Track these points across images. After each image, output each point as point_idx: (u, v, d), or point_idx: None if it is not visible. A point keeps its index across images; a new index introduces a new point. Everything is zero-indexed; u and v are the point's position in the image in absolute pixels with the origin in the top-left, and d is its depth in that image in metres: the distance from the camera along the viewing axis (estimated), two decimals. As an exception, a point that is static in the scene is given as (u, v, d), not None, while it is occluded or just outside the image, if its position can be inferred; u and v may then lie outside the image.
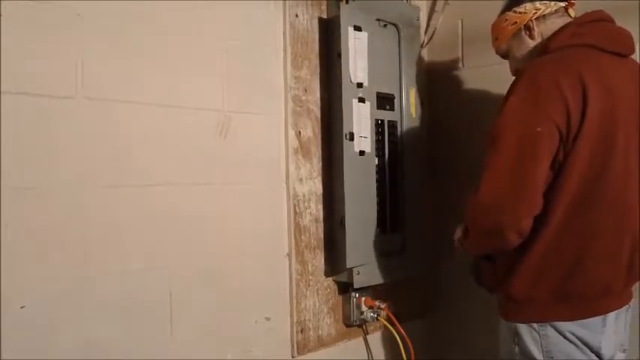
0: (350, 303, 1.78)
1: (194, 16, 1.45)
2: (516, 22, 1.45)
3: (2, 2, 1.12)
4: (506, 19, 1.48)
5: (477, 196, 1.29)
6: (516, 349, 1.36)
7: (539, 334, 1.32)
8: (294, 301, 1.65)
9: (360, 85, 1.72)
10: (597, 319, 1.32)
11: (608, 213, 1.29)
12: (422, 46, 2.07)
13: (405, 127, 1.89)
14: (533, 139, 1.24)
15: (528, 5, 1.44)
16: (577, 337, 1.31)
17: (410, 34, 1.93)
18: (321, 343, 1.73)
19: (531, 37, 1.45)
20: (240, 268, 1.54)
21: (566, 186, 1.26)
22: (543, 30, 1.43)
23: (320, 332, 1.73)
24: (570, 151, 1.25)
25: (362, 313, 1.78)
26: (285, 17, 1.66)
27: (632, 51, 1.40)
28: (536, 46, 1.44)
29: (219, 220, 1.50)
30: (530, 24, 1.43)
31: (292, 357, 1.66)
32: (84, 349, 1.23)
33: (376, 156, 1.80)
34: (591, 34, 1.35)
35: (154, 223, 1.36)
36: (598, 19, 1.39)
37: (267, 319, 1.60)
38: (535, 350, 1.33)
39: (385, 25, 1.86)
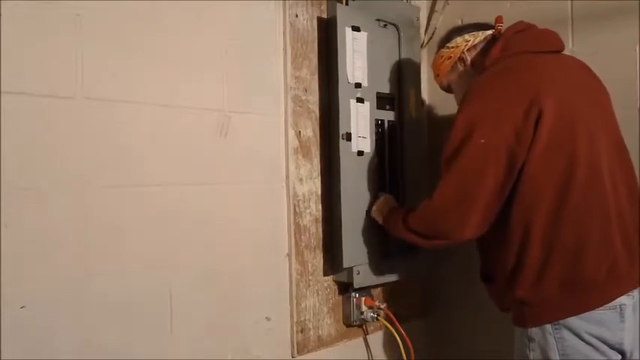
0: (350, 303, 1.78)
1: (194, 16, 1.45)
2: (450, 57, 1.57)
3: (2, 2, 1.12)
4: (442, 56, 1.59)
5: (431, 202, 1.40)
6: (531, 355, 1.34)
7: (554, 337, 1.30)
8: (294, 301, 1.65)
9: (358, 85, 1.72)
10: (614, 314, 1.29)
11: (587, 199, 1.31)
12: (422, 46, 2.07)
13: (405, 127, 1.89)
14: (480, 151, 1.32)
15: (458, 39, 1.56)
16: (595, 337, 1.29)
17: (410, 34, 1.93)
18: (321, 343, 1.73)
19: (466, 67, 1.55)
20: (240, 268, 1.54)
21: (541, 182, 1.30)
22: (475, 57, 1.54)
23: (320, 332, 1.73)
24: (531, 153, 1.29)
25: (362, 313, 1.78)
26: (285, 17, 1.66)
27: (563, 47, 1.48)
28: (469, 70, 1.54)
29: (219, 220, 1.50)
30: (463, 56, 1.55)
31: (292, 357, 1.66)
32: (84, 349, 1.23)
33: (376, 156, 1.80)
34: (522, 42, 1.43)
35: (153, 223, 1.36)
36: (524, 29, 1.47)
37: (267, 319, 1.61)
38: (552, 354, 1.30)
39: (385, 25, 1.86)
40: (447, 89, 1.65)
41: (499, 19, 1.51)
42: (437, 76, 1.65)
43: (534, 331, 1.33)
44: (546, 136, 1.29)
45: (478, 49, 1.53)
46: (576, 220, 1.30)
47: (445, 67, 1.58)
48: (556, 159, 1.30)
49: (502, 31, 1.49)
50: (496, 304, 1.48)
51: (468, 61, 1.54)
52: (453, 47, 1.56)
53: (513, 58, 1.41)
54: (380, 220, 1.67)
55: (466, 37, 1.54)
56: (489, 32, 1.53)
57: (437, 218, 1.40)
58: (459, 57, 1.55)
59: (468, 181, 1.34)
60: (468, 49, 1.54)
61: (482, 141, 1.31)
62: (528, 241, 1.32)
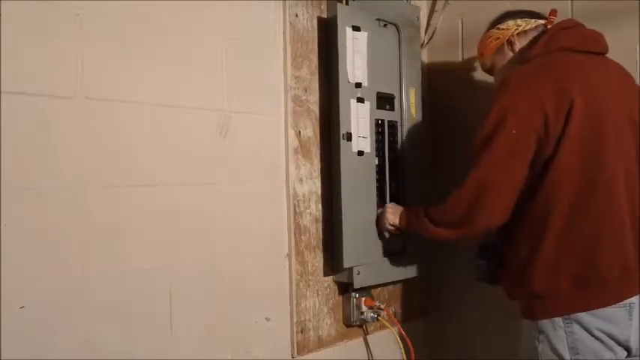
0: (350, 303, 1.78)
1: (194, 16, 1.45)
2: (499, 38, 1.57)
3: (2, 2, 1.12)
4: (490, 36, 1.60)
5: (461, 190, 1.42)
6: (540, 347, 1.36)
7: (564, 331, 1.33)
8: (294, 301, 1.65)
9: (358, 85, 1.72)
10: (623, 312, 1.32)
11: (606, 200, 1.34)
12: (422, 46, 2.07)
13: (405, 127, 1.89)
14: (510, 140, 1.35)
15: (510, 22, 1.56)
16: (604, 333, 1.31)
17: (410, 34, 1.93)
18: (321, 344, 1.73)
19: (513, 51, 1.55)
20: (240, 268, 1.54)
21: (564, 177, 1.33)
22: (524, 45, 1.54)
23: (320, 332, 1.73)
24: (558, 148, 1.32)
25: (362, 313, 1.78)
26: (285, 17, 1.65)
27: (606, 49, 1.49)
28: (514, 57, 1.55)
29: (219, 220, 1.49)
30: (512, 39, 1.55)
31: (292, 357, 1.66)
32: (83, 349, 1.23)
33: (376, 156, 1.80)
34: (566, 39, 1.45)
35: (153, 223, 1.36)
36: (571, 26, 1.49)
37: (267, 319, 1.60)
38: (561, 348, 1.33)
39: (385, 25, 1.86)
40: (489, 71, 1.66)
41: (553, 12, 1.53)
42: (481, 55, 1.65)
43: (544, 324, 1.36)
44: (574, 134, 1.32)
45: (528, 36, 1.54)
46: (593, 219, 1.33)
47: (492, 47, 1.59)
48: (582, 158, 1.33)
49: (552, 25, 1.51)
50: (505, 290, 1.49)
51: (516, 46, 1.55)
52: (503, 29, 1.56)
53: (554, 54, 1.43)
54: (398, 225, 1.68)
55: (518, 21, 1.55)
56: (542, 22, 1.54)
57: (467, 206, 1.41)
58: (508, 39, 1.55)
59: (497, 170, 1.37)
60: (518, 34, 1.54)
61: (514, 131, 1.34)
62: (545, 234, 1.35)
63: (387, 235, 1.76)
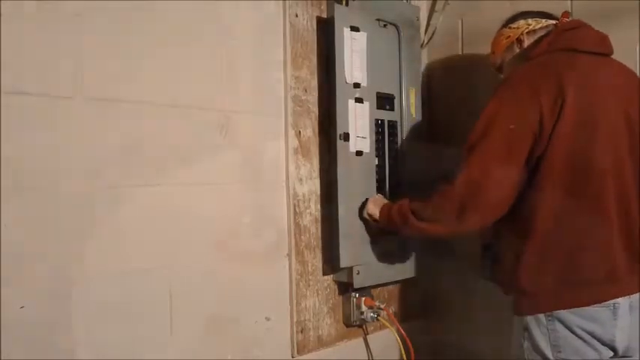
0: (350, 303, 1.78)
1: (194, 16, 1.45)
2: (510, 36, 1.59)
3: (2, 2, 1.12)
4: (502, 34, 1.62)
5: (453, 187, 1.38)
6: (525, 344, 1.38)
7: (547, 328, 1.34)
8: (294, 301, 1.65)
9: (357, 85, 1.72)
10: (607, 312, 1.32)
11: (597, 200, 1.34)
12: (422, 46, 2.07)
13: (405, 127, 1.89)
14: (507, 135, 1.34)
15: (521, 21, 1.58)
16: (587, 332, 1.32)
17: (410, 34, 1.93)
18: (321, 343, 1.73)
19: (521, 49, 1.57)
20: (240, 268, 1.54)
21: (553, 175, 1.34)
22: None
23: (320, 332, 1.73)
24: (549, 146, 1.33)
25: (362, 313, 1.78)
26: (285, 17, 1.65)
27: (611, 50, 1.49)
28: (518, 54, 1.56)
29: (220, 220, 1.50)
30: (522, 37, 1.56)
31: (292, 357, 1.66)
32: (83, 349, 1.23)
33: (376, 156, 1.80)
34: (569, 39, 1.46)
35: (154, 223, 1.36)
36: (575, 27, 1.49)
37: (267, 319, 1.60)
38: (544, 345, 1.34)
39: (385, 25, 1.86)
40: (499, 69, 1.66)
41: (565, 14, 1.53)
42: (492, 53, 1.66)
43: (529, 321, 1.37)
44: (565, 132, 1.32)
45: (537, 35, 1.54)
46: (580, 221, 1.33)
47: (502, 45, 1.60)
48: (572, 157, 1.33)
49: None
50: (501, 286, 1.50)
51: (525, 44, 1.56)
52: (514, 28, 1.58)
53: (556, 53, 1.43)
54: (376, 217, 1.65)
55: (529, 20, 1.56)
56: (552, 22, 1.54)
57: (459, 203, 1.38)
58: (517, 38, 1.57)
59: (492, 166, 1.36)
60: (528, 32, 1.55)
61: (512, 126, 1.34)
62: (532, 232, 1.35)
63: (365, 223, 1.72)
